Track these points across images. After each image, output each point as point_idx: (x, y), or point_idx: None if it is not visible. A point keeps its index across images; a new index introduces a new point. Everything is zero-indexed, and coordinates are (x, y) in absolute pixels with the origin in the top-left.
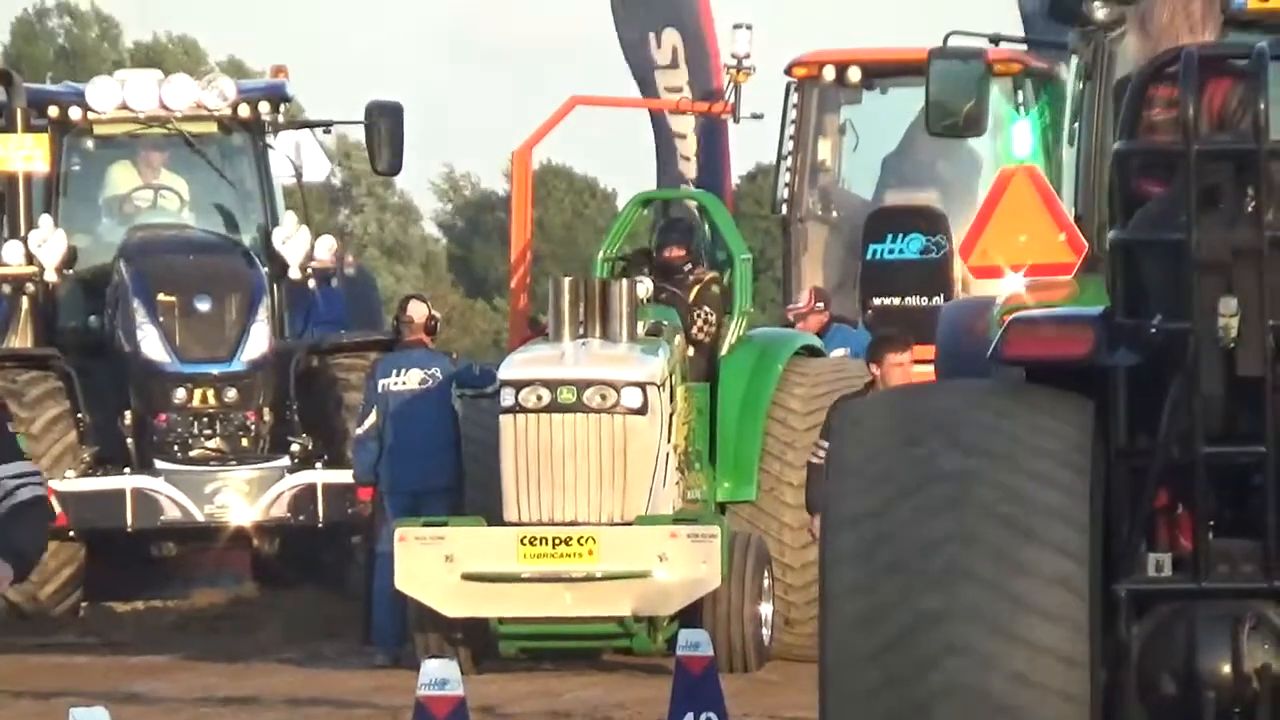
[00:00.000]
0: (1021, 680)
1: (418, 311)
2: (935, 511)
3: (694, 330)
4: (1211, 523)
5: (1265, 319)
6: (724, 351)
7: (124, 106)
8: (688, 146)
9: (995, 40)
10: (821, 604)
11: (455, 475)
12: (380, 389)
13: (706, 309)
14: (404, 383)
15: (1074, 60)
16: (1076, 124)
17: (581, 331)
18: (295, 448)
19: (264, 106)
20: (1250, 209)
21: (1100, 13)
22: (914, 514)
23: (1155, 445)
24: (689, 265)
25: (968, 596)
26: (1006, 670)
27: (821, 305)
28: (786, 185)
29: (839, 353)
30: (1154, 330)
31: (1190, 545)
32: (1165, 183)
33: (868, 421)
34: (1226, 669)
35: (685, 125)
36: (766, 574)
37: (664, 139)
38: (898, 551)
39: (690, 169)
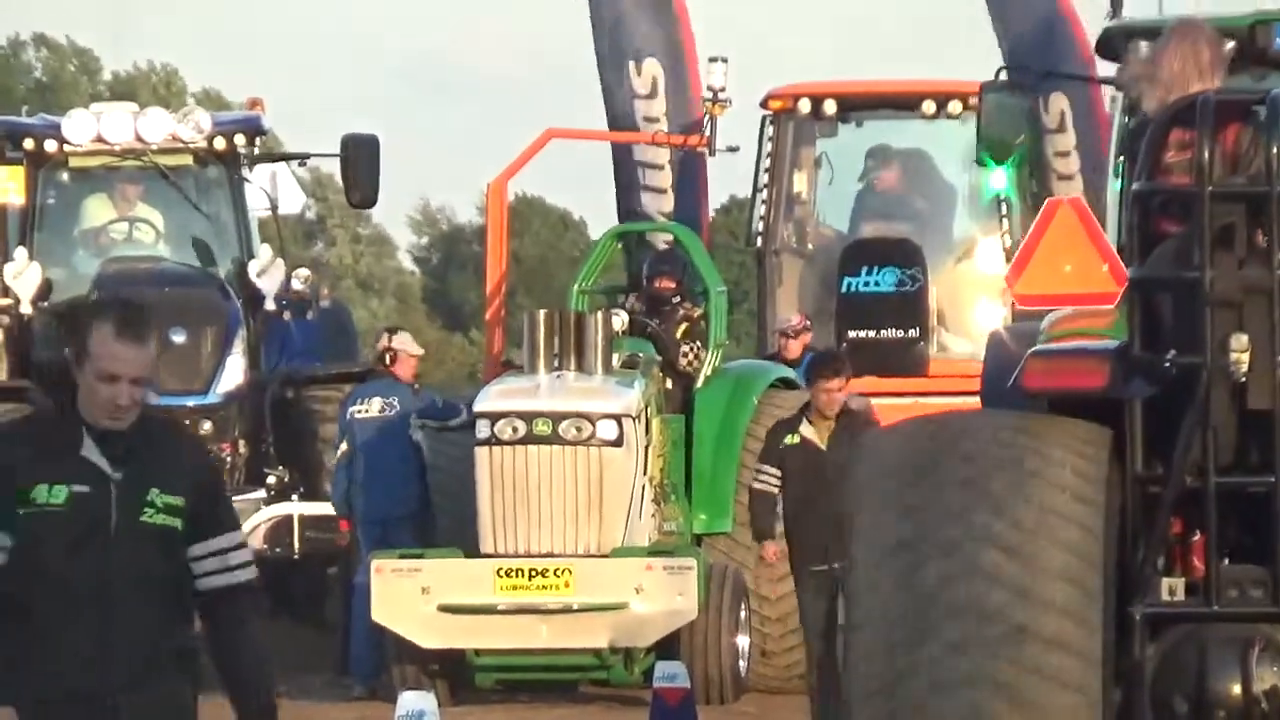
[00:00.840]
0: (1034, 708)
1: (400, 343)
2: (951, 545)
3: (682, 363)
4: (1223, 549)
5: (1276, 354)
6: (699, 384)
7: (99, 139)
8: (663, 179)
9: (1045, 75)
10: (848, 628)
11: (420, 503)
12: (349, 417)
13: (697, 344)
14: (366, 410)
15: (1120, 96)
16: (1121, 157)
17: (557, 364)
18: (271, 480)
19: (239, 139)
20: (1262, 249)
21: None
22: (931, 547)
23: (1169, 474)
24: (678, 298)
25: (983, 628)
26: (1019, 699)
27: (808, 327)
28: (761, 218)
29: None
30: (1168, 364)
31: (1202, 571)
32: (1181, 222)
33: (886, 452)
34: (1236, 690)
35: (661, 156)
36: (743, 606)
37: (626, 171)
38: (917, 583)
39: (666, 202)
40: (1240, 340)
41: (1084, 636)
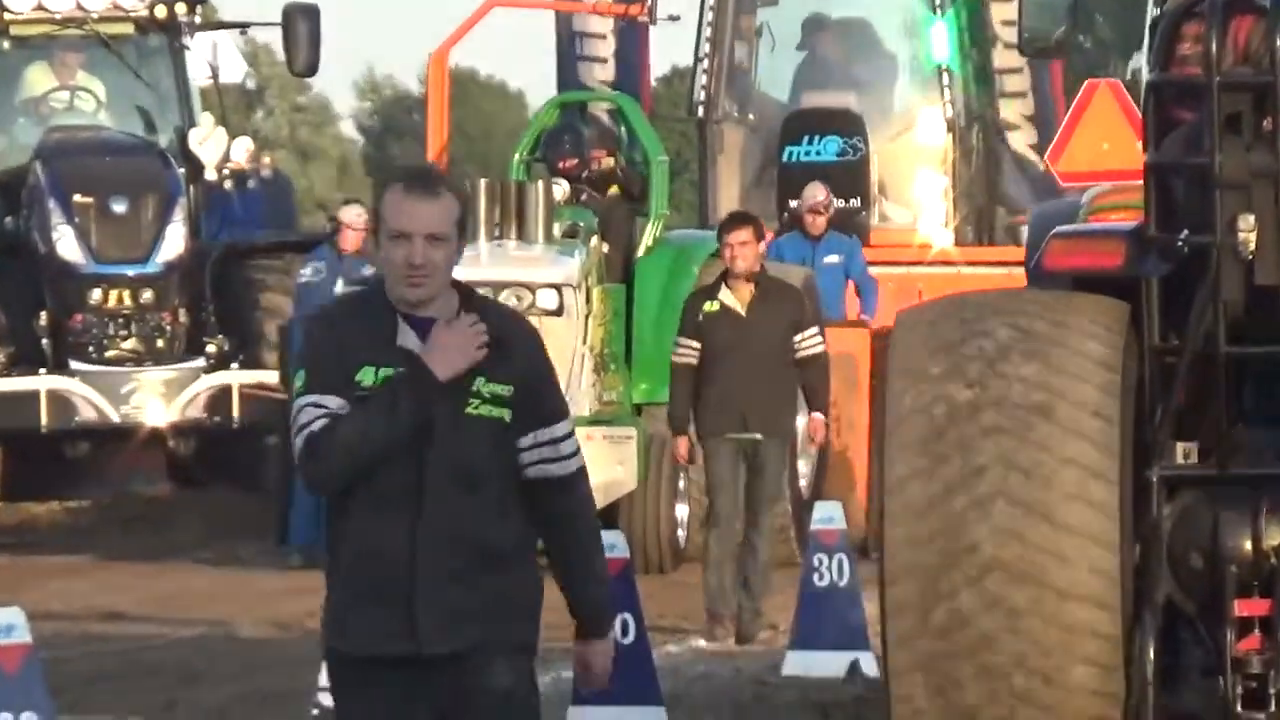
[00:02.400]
0: (1057, 557)
1: (348, 216)
2: (981, 408)
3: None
4: (1234, 415)
5: None
6: (640, 253)
7: (40, 8)
8: (604, 48)
9: None
10: (883, 489)
11: None
12: (299, 282)
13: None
14: (308, 278)
15: None
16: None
17: (498, 233)
18: (211, 349)
19: (180, 8)
20: (1268, 135)
21: None
22: (964, 412)
23: (1183, 345)
24: (584, 173)
25: (1011, 484)
26: (1043, 549)
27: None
28: (703, 87)
29: (832, 260)
30: (1181, 244)
31: (1215, 435)
32: (1194, 111)
33: (921, 327)
34: (1247, 546)
35: (603, 26)
36: (682, 476)
37: (566, 41)
38: (949, 445)
39: (606, 71)
40: (1247, 220)
41: (1103, 490)
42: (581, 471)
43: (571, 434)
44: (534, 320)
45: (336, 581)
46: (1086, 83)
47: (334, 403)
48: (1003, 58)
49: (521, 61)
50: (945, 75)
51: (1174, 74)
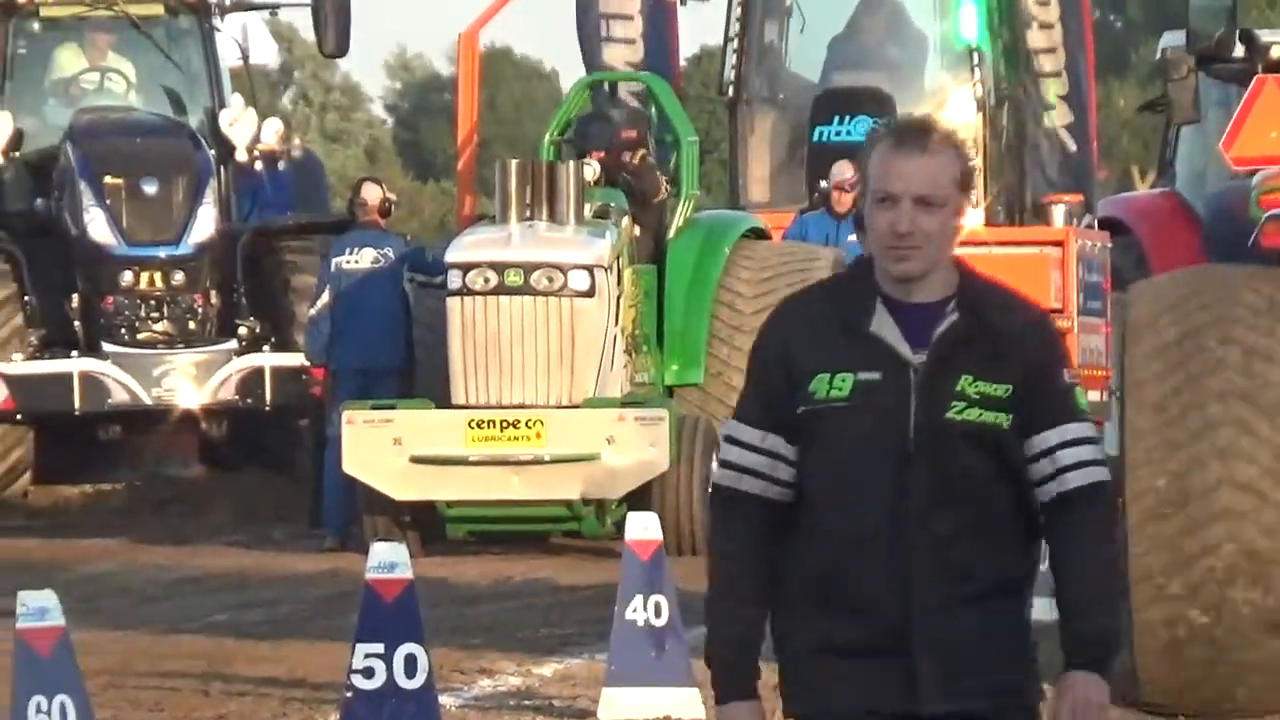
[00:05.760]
0: (1273, 535)
1: (372, 194)
2: (1214, 370)
3: (648, 188)
4: None
5: None
6: (671, 234)
7: None
8: (632, 29)
9: None
10: (1124, 440)
11: (405, 357)
12: (333, 268)
13: (657, 176)
14: (356, 261)
15: None
16: None
17: (528, 214)
18: (243, 331)
19: None
20: None
21: None
22: (1199, 373)
23: None
24: (610, 161)
25: (1242, 442)
26: (1273, 501)
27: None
28: (733, 67)
29: (855, 238)
30: None
31: None
32: None
33: (1157, 298)
34: None
35: (630, 7)
36: (714, 457)
37: (590, 23)
38: (1185, 404)
39: (634, 53)
40: None
41: None
42: (1087, 492)
43: (1077, 443)
44: (565, 302)
45: (790, 627)
46: (1255, 78)
47: (753, 437)
48: (1037, 38)
49: (556, 41)
50: (975, 55)
51: None
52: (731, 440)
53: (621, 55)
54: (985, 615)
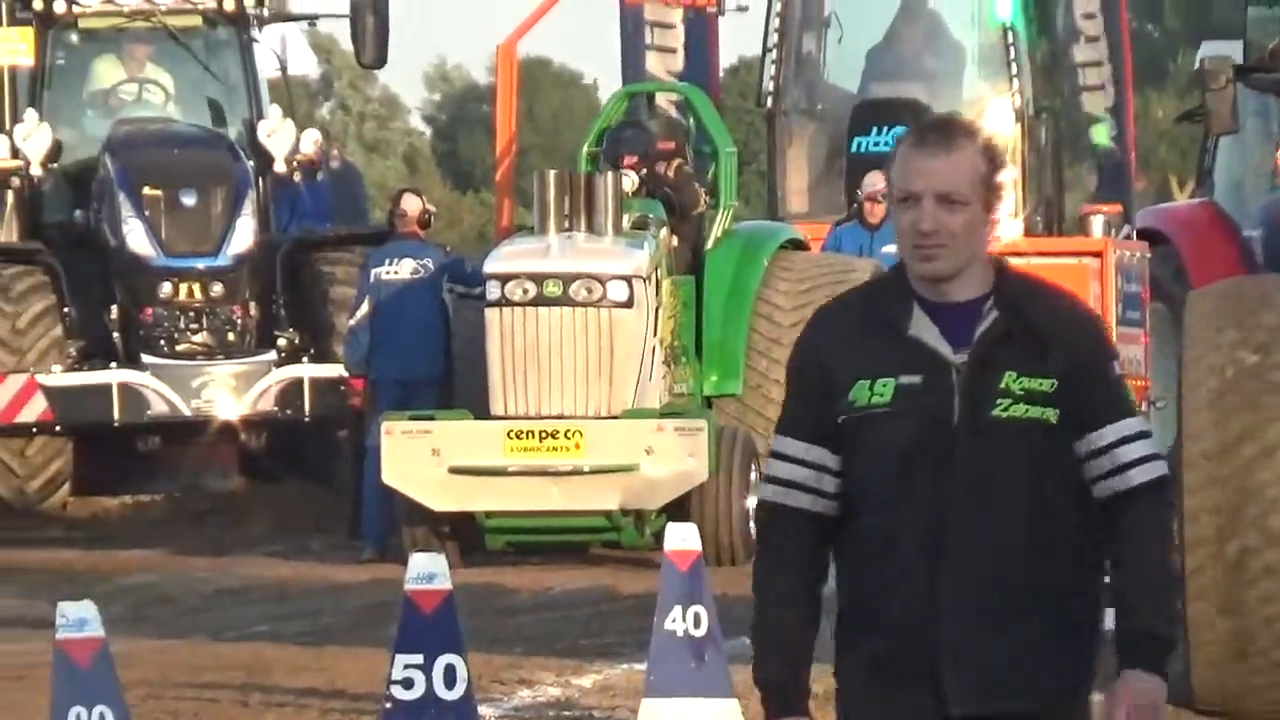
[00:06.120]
0: None
1: (411, 205)
2: (1266, 370)
3: (688, 201)
4: None
5: None
6: (709, 245)
7: (109, 0)
8: (674, 38)
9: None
10: (1180, 440)
11: (444, 368)
12: (373, 279)
13: (695, 187)
14: (396, 272)
15: None
16: None
17: (567, 225)
18: (282, 342)
19: (248, 0)
20: None
21: None
22: (1252, 373)
23: None
24: (645, 171)
25: None
26: None
27: None
28: (771, 78)
29: (890, 250)
30: None
31: None
32: None
33: (1212, 303)
34: None
35: (673, 16)
36: (753, 468)
37: (632, 32)
38: (1239, 402)
39: (676, 62)
40: None
41: None
42: (1149, 489)
43: (1136, 439)
44: (604, 312)
45: (840, 643)
46: None
47: (797, 450)
48: (1084, 52)
49: (595, 51)
50: (1013, 65)
51: None
52: (777, 455)
53: (663, 64)
54: (1030, 622)
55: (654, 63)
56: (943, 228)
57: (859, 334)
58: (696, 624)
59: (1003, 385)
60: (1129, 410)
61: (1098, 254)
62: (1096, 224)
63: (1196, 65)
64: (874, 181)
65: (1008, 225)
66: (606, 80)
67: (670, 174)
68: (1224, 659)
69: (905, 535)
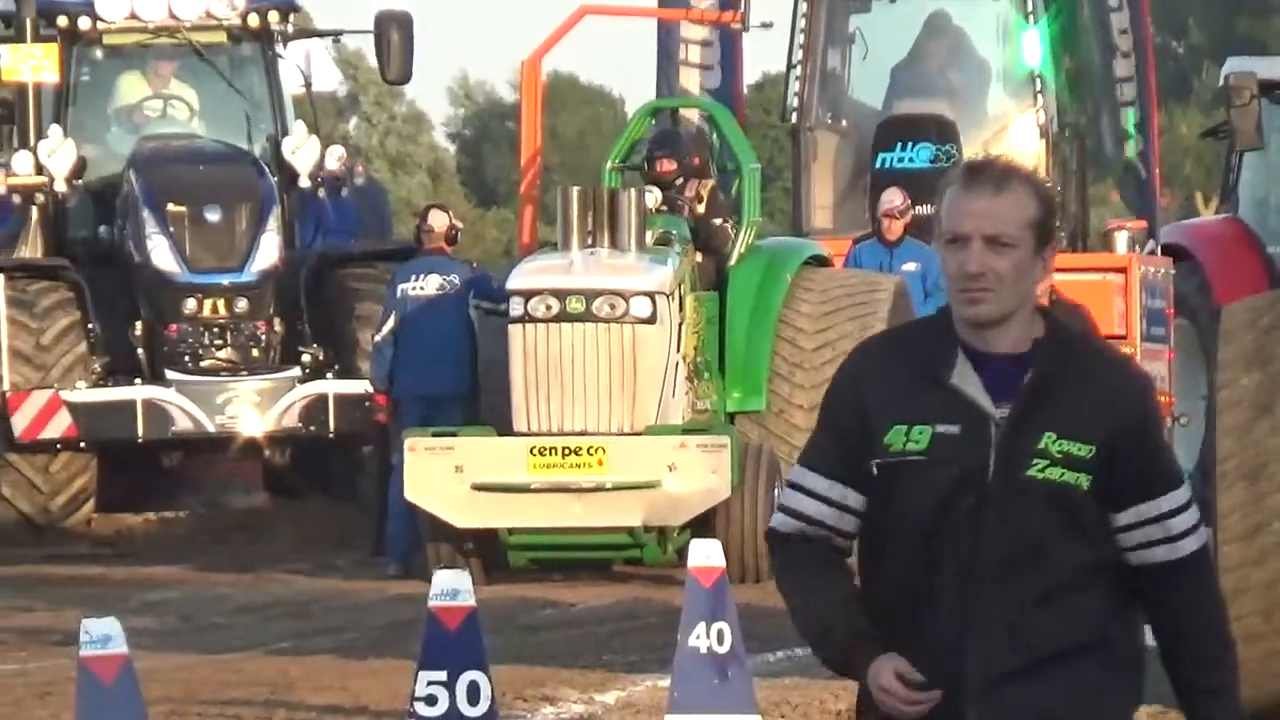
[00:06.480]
0: None
1: (438, 221)
2: None
3: (716, 242)
4: None
5: None
6: (733, 261)
7: (133, 16)
8: (709, 55)
9: None
10: (1218, 449)
11: (469, 384)
12: (399, 294)
13: (720, 219)
14: (422, 288)
15: None
16: None
17: (590, 241)
18: (306, 358)
19: (273, 16)
20: None
21: None
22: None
23: None
24: (680, 179)
25: None
26: None
27: (911, 207)
28: (796, 94)
29: (909, 267)
30: None
31: None
32: None
33: (1245, 318)
34: None
35: (703, 33)
36: (777, 484)
37: (667, 49)
38: (1276, 415)
39: (711, 78)
40: None
41: None
42: (1199, 555)
43: (1186, 507)
44: (627, 329)
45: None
46: None
47: (819, 485)
48: (1121, 66)
49: (623, 68)
50: (1037, 81)
51: None
52: (797, 487)
53: (698, 80)
54: (1049, 684)
55: (691, 78)
56: (990, 270)
57: (900, 377)
58: (720, 641)
59: (1040, 445)
60: (1179, 479)
61: (1122, 270)
62: (1121, 240)
63: (1221, 81)
64: (891, 198)
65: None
66: (634, 97)
67: (702, 194)
68: (1259, 678)
69: (931, 588)
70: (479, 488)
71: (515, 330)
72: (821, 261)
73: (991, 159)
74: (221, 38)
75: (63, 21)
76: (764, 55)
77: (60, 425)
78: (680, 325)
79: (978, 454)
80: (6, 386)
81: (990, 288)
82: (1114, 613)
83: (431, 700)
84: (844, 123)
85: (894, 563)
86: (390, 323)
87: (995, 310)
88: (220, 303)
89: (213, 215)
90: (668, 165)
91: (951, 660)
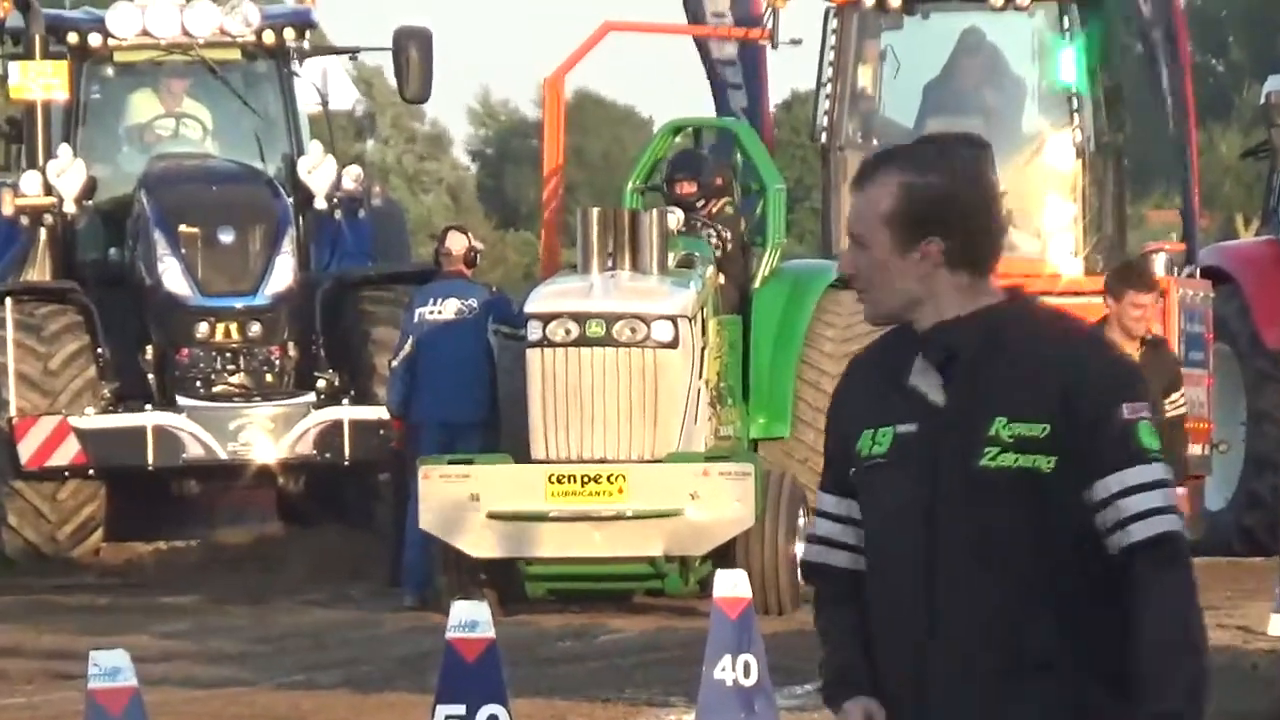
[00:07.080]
0: None
1: (457, 243)
2: None
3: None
4: None
5: None
6: (756, 284)
7: (145, 33)
8: (736, 73)
9: None
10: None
11: (488, 410)
12: (416, 318)
13: (718, 226)
14: (440, 312)
15: None
16: None
17: (610, 264)
18: (321, 383)
19: (289, 33)
20: None
21: None
22: None
23: None
24: (701, 201)
25: None
26: None
27: None
28: (826, 113)
29: None
30: None
31: None
32: None
33: None
34: None
35: (731, 51)
36: (801, 513)
37: (711, 68)
38: None
39: (741, 97)
40: None
41: None
42: (1159, 539)
43: (1146, 488)
44: (648, 353)
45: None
46: None
47: (831, 504)
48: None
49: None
50: (1074, 100)
51: None
52: (818, 512)
53: (738, 102)
54: (1022, 691)
55: (736, 100)
56: (856, 269)
57: (872, 383)
58: (746, 673)
59: (992, 432)
60: (1139, 457)
61: (1160, 293)
62: (1159, 262)
63: (1262, 99)
64: None
65: (1068, 264)
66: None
67: (717, 210)
68: None
69: (896, 594)
70: (495, 516)
71: (533, 355)
72: (846, 284)
73: (881, 150)
74: (236, 55)
75: (73, 38)
76: (793, 73)
77: (68, 452)
78: (703, 350)
79: (932, 449)
80: (13, 413)
81: (862, 288)
82: (1096, 613)
83: None
84: (875, 142)
85: (872, 569)
86: (407, 347)
87: (873, 311)
88: (233, 326)
89: (226, 237)
90: (688, 187)
91: (913, 670)
